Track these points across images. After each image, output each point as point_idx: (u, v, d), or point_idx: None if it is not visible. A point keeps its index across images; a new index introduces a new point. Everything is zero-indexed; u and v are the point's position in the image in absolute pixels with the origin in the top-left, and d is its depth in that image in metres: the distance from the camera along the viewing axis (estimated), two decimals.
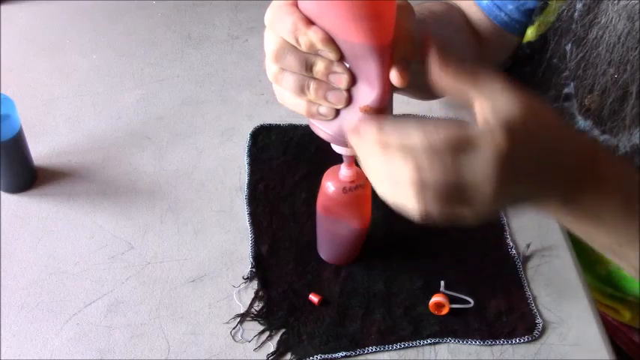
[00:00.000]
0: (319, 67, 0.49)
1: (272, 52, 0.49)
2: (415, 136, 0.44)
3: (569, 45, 0.74)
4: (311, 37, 0.47)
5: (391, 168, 0.45)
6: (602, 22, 0.68)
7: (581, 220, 0.53)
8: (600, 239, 0.55)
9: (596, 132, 0.73)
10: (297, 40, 0.48)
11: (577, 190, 0.49)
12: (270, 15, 0.49)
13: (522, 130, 0.44)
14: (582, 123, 0.75)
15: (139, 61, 0.96)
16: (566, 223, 0.54)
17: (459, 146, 0.43)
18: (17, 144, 0.73)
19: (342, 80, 0.49)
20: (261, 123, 0.87)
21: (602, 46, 0.69)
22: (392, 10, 0.47)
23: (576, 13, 0.73)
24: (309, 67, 0.49)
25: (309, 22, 0.47)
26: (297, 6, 0.48)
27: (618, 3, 0.66)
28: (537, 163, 0.46)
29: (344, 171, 0.63)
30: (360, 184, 0.64)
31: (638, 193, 0.52)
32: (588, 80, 0.72)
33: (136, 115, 0.88)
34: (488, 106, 0.45)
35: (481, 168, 0.44)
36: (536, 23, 0.79)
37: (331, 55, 0.48)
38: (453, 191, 0.44)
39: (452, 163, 0.43)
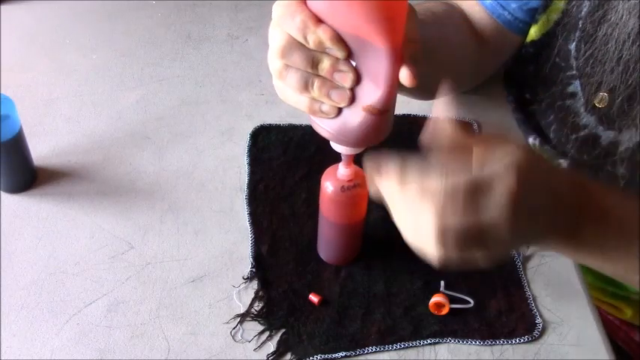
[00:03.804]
0: (325, 64, 0.49)
1: (278, 49, 0.50)
2: (435, 180, 0.46)
3: (574, 43, 0.74)
4: (320, 35, 0.47)
5: (413, 213, 0.47)
6: (612, 19, 0.68)
7: (586, 254, 0.56)
8: (607, 268, 0.58)
9: (600, 128, 0.73)
10: (305, 38, 0.48)
11: (578, 225, 0.52)
12: (279, 12, 0.49)
13: (527, 172, 0.47)
14: (586, 119, 0.74)
15: (139, 61, 0.96)
16: (573, 257, 0.59)
17: (476, 189, 0.45)
18: (17, 144, 0.73)
19: (347, 79, 0.49)
20: (261, 123, 0.87)
21: (611, 43, 0.68)
22: (404, 11, 0.47)
23: (584, 10, 0.72)
24: (314, 65, 0.49)
25: (318, 21, 0.48)
26: (305, 4, 0.48)
27: (629, 0, 0.66)
28: (541, 203, 0.49)
29: (342, 170, 0.63)
30: (358, 183, 0.64)
31: (634, 219, 0.55)
32: (596, 77, 0.72)
33: (136, 115, 0.88)
34: (491, 152, 0.47)
35: (497, 208, 0.46)
36: (540, 22, 0.79)
37: (339, 54, 0.49)
38: (472, 234, 0.46)
39: (471, 206, 0.45)
